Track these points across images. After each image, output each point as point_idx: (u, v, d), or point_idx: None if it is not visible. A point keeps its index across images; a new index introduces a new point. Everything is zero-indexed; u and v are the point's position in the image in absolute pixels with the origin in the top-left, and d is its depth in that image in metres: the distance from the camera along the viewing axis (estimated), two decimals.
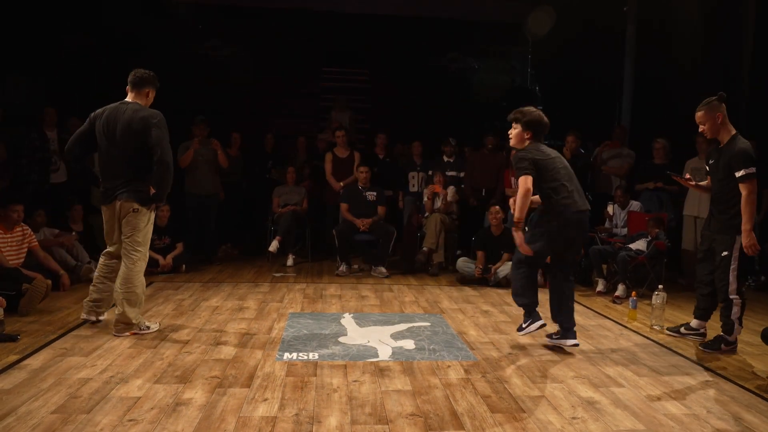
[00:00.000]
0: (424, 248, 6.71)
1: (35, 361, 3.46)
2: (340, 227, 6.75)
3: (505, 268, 6.05)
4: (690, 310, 4.53)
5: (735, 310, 4.00)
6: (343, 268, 6.56)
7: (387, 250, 6.64)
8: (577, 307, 5.24)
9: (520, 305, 4.07)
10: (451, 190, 7.07)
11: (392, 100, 9.86)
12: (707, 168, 4.25)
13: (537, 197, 3.90)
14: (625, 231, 6.34)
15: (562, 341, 3.94)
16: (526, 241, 3.82)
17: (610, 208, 6.55)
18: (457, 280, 6.38)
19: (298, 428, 2.69)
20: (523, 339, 4.22)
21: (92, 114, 4.09)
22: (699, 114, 4.02)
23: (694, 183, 4.40)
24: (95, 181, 4.29)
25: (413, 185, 7.60)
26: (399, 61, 9.80)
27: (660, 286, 4.76)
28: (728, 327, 4.04)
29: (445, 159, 7.53)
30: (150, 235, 4.13)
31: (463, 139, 8.21)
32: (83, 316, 4.24)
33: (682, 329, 4.42)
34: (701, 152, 6.14)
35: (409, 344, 4.02)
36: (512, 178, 6.99)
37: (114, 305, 4.09)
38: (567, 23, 8.58)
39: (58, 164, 6.69)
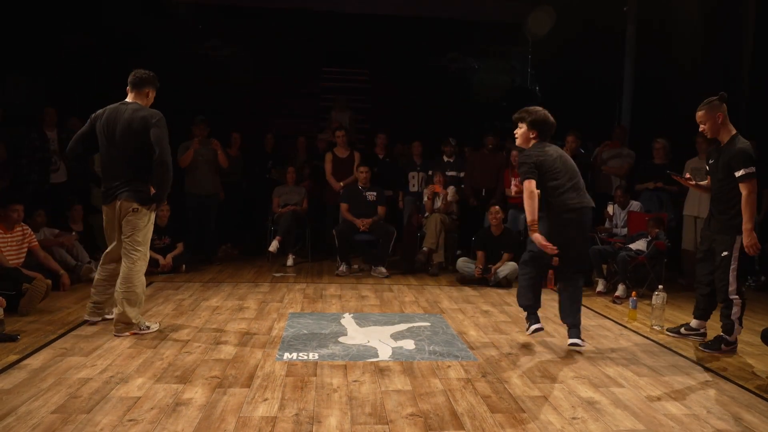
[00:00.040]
0: (424, 248, 6.71)
1: (35, 361, 3.46)
2: (340, 227, 6.75)
3: (505, 268, 6.06)
4: (690, 311, 4.53)
5: (735, 310, 4.00)
6: (343, 268, 6.56)
7: (387, 250, 6.64)
8: None
9: (520, 306, 4.13)
10: (451, 190, 7.07)
11: (392, 100, 9.86)
12: (707, 168, 4.25)
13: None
14: (625, 231, 6.34)
15: (569, 340, 3.95)
16: (529, 242, 3.89)
17: (610, 208, 6.55)
18: (457, 280, 6.38)
19: (298, 428, 2.69)
20: (523, 339, 4.22)
21: (93, 115, 4.11)
22: (700, 113, 4.02)
23: (694, 183, 4.40)
24: (97, 181, 4.30)
25: (413, 185, 7.60)
26: (399, 61, 9.80)
27: (660, 286, 4.76)
28: (728, 327, 4.03)
29: (445, 159, 7.52)
30: (150, 235, 4.14)
31: (463, 139, 8.21)
32: (86, 317, 4.26)
33: (683, 330, 4.42)
34: (701, 152, 6.14)
35: (409, 344, 4.02)
36: (512, 178, 7.00)
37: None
38: (567, 23, 8.58)
39: (58, 164, 6.69)
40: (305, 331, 4.25)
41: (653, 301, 4.67)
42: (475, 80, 10.26)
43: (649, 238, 5.87)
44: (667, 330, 4.51)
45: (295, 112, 9.93)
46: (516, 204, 6.96)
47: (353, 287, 5.93)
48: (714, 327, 4.33)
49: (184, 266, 6.48)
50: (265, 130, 8.29)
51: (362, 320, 4.63)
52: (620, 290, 5.66)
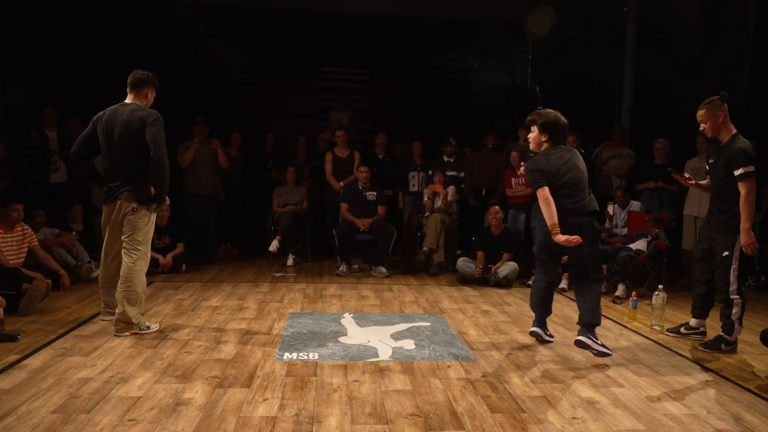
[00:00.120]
0: (425, 248, 6.71)
1: (35, 361, 3.46)
2: (340, 227, 6.75)
3: (505, 268, 6.06)
4: (690, 310, 4.53)
5: (735, 310, 4.00)
6: (343, 268, 6.56)
7: (387, 250, 6.64)
8: (576, 306, 5.26)
9: (531, 308, 4.20)
10: (451, 189, 7.07)
11: (392, 100, 9.86)
12: (707, 168, 4.25)
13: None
14: (625, 231, 6.35)
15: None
16: (538, 242, 3.92)
17: (610, 208, 6.55)
18: (457, 280, 6.38)
19: (298, 428, 2.69)
20: (523, 339, 4.22)
21: (95, 117, 4.15)
22: (700, 113, 4.02)
23: (694, 182, 4.39)
24: (100, 181, 4.32)
25: (413, 185, 7.60)
26: (399, 61, 9.80)
27: (660, 286, 4.76)
28: (728, 327, 4.03)
29: (445, 159, 7.52)
30: (151, 235, 4.14)
31: (463, 139, 8.21)
32: (102, 318, 4.35)
33: (682, 329, 4.43)
34: (701, 152, 6.14)
35: (409, 344, 4.02)
36: (512, 179, 7.00)
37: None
38: (567, 23, 8.58)
39: (58, 164, 6.69)
40: (305, 331, 4.25)
41: (653, 301, 4.67)
42: (475, 80, 10.26)
43: (649, 238, 5.87)
44: (667, 330, 4.51)
45: (295, 112, 9.93)
46: (516, 204, 6.96)
47: (353, 287, 5.93)
48: (714, 327, 4.33)
49: (184, 266, 6.48)
50: (265, 130, 8.29)
51: (362, 320, 4.63)
52: (620, 290, 5.66)
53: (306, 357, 3.68)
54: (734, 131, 4.00)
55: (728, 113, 4.00)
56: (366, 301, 5.36)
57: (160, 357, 3.60)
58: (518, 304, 5.38)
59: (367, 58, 9.97)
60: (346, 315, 4.78)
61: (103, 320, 4.32)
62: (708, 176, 4.26)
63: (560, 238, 3.64)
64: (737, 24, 7.22)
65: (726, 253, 3.97)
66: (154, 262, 5.97)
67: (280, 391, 3.11)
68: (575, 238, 3.58)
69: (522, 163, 6.81)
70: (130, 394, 3.01)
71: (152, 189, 4.07)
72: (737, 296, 3.99)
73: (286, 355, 3.69)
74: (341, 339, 4.09)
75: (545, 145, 3.84)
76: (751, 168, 3.83)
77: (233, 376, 3.31)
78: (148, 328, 4.11)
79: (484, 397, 3.10)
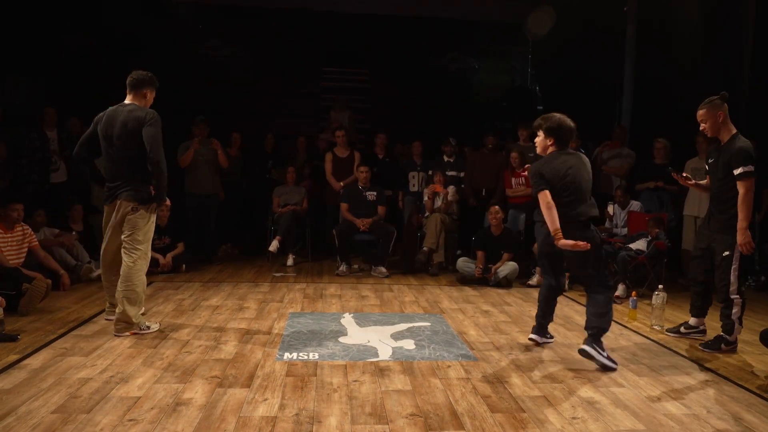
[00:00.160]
0: (425, 248, 6.71)
1: (35, 361, 3.46)
2: (340, 227, 6.75)
3: (505, 268, 6.06)
4: (689, 310, 4.53)
5: (735, 309, 4.00)
6: (343, 268, 6.56)
7: (387, 250, 6.64)
8: (576, 306, 5.27)
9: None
10: (451, 189, 7.07)
11: (392, 100, 9.86)
12: (706, 167, 4.25)
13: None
14: (625, 231, 6.35)
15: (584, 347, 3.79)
16: (540, 243, 3.89)
17: (610, 208, 6.55)
18: (457, 280, 6.38)
19: (298, 428, 2.69)
20: (522, 339, 4.22)
21: (96, 117, 4.17)
22: (701, 112, 4.02)
23: (693, 182, 4.39)
24: (102, 182, 4.32)
25: (413, 185, 7.60)
26: (399, 61, 9.80)
27: (660, 286, 4.76)
28: (728, 327, 4.04)
29: (445, 159, 7.52)
30: (151, 235, 4.15)
31: (463, 139, 8.21)
32: (106, 317, 4.35)
33: (682, 329, 4.43)
34: (701, 152, 6.14)
35: (409, 344, 4.02)
36: (512, 179, 7.00)
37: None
38: (567, 23, 8.58)
39: (58, 164, 6.69)
40: (305, 331, 4.25)
41: (653, 301, 4.67)
42: (475, 80, 10.26)
43: (649, 238, 5.87)
44: (667, 330, 4.51)
45: (295, 112, 9.93)
46: (516, 204, 6.97)
47: (353, 287, 5.93)
48: (714, 327, 4.33)
49: (184, 266, 6.48)
50: (265, 130, 8.29)
51: (362, 320, 4.63)
52: (620, 290, 5.66)
53: (306, 357, 3.68)
54: (734, 131, 4.00)
55: (728, 113, 4.00)
56: (366, 301, 5.36)
57: (160, 357, 3.60)
58: (518, 304, 5.38)
59: (367, 58, 9.97)
60: (346, 315, 4.78)
61: (106, 319, 4.31)
62: (707, 176, 4.26)
63: (566, 243, 3.52)
64: (737, 24, 7.22)
65: (726, 253, 3.97)
66: (154, 262, 5.97)
67: (280, 391, 3.11)
68: (583, 244, 3.47)
69: (525, 166, 6.82)
70: (130, 394, 3.01)
71: (152, 189, 4.07)
72: (737, 296, 3.99)
73: (286, 355, 3.69)
74: (341, 339, 4.09)
75: (551, 149, 3.78)
76: (751, 168, 3.83)
77: (233, 376, 3.31)
78: (148, 328, 4.12)
79: (484, 397, 3.10)
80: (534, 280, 6.17)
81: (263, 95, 9.72)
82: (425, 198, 7.12)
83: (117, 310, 4.03)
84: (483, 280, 6.15)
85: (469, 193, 7.26)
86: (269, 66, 9.68)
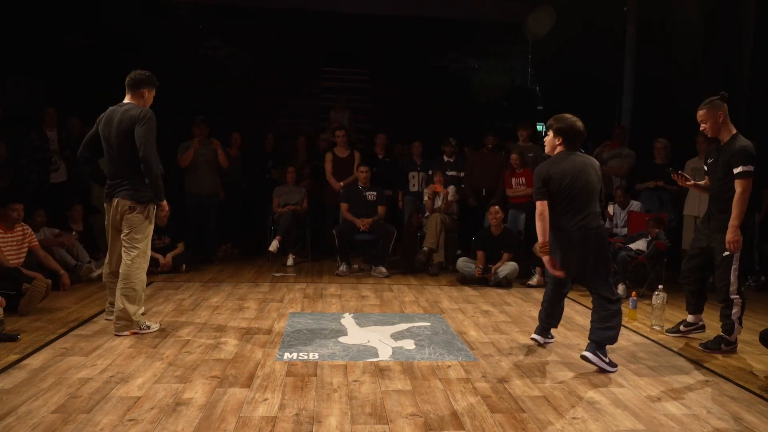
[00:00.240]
0: (425, 248, 6.71)
1: (35, 361, 3.46)
2: (340, 227, 6.75)
3: (505, 268, 6.06)
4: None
5: (735, 310, 4.00)
6: (343, 268, 6.56)
7: (387, 250, 6.64)
8: (577, 307, 5.27)
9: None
10: (451, 189, 7.07)
11: (392, 100, 9.86)
12: (705, 168, 4.25)
13: None
14: (625, 231, 6.35)
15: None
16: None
17: (610, 208, 6.55)
18: (457, 280, 6.38)
19: (298, 428, 2.69)
20: (523, 339, 4.22)
21: (98, 118, 4.18)
22: (701, 113, 4.02)
23: (692, 182, 4.39)
24: (105, 182, 4.33)
25: (413, 185, 7.60)
26: (399, 61, 9.80)
27: (660, 286, 4.76)
28: (728, 327, 4.03)
29: (445, 159, 7.52)
30: (150, 234, 4.15)
31: (463, 139, 8.21)
32: (106, 317, 4.34)
33: (681, 327, 4.43)
34: (701, 152, 6.14)
35: (409, 344, 4.02)
36: (512, 179, 7.00)
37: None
38: (567, 23, 8.58)
39: (58, 164, 6.69)
40: (305, 331, 4.25)
41: (653, 301, 4.67)
42: (475, 80, 10.26)
43: (649, 238, 5.87)
44: (667, 331, 4.51)
45: (295, 112, 9.93)
46: (516, 204, 6.97)
47: (353, 287, 5.93)
48: (714, 327, 4.33)
49: (184, 266, 6.48)
50: (265, 130, 8.29)
51: (362, 320, 4.63)
52: (620, 290, 5.65)
53: (306, 357, 3.68)
54: (734, 131, 4.00)
55: (728, 113, 4.00)
56: (366, 301, 5.36)
57: (160, 357, 3.60)
58: (518, 304, 5.38)
59: (367, 58, 9.97)
60: (346, 315, 4.78)
61: (106, 319, 4.32)
62: (706, 176, 4.26)
63: (545, 259, 3.69)
64: (737, 24, 7.22)
65: (726, 253, 3.96)
66: (154, 262, 5.97)
67: (280, 391, 3.11)
68: (558, 272, 3.67)
69: (527, 168, 6.85)
70: (130, 394, 3.01)
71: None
72: (737, 296, 3.99)
73: (286, 355, 3.70)
74: (341, 339, 4.09)
75: (559, 149, 3.75)
76: (751, 168, 3.83)
77: (233, 376, 3.31)
78: (149, 327, 4.12)
79: (484, 397, 3.10)
80: (534, 280, 6.17)
81: (263, 95, 9.72)
82: (425, 198, 7.12)
83: (115, 308, 4.04)
84: (483, 280, 6.15)
85: (469, 193, 7.26)
86: (269, 66, 9.68)
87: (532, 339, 4.10)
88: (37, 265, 5.21)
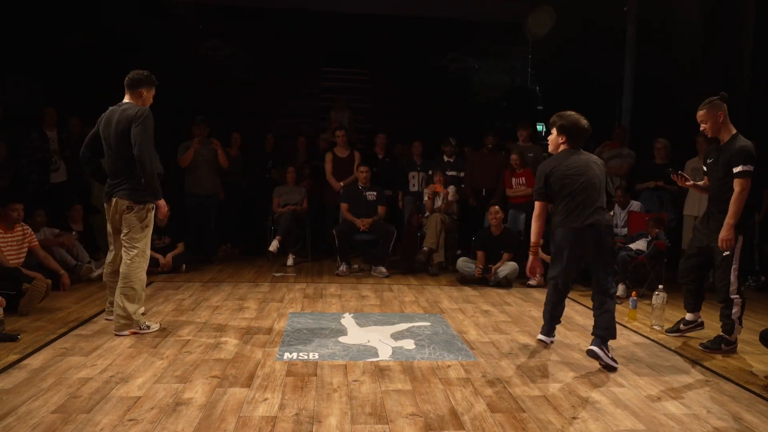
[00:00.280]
0: (425, 248, 6.71)
1: (35, 361, 3.46)
2: (340, 227, 6.75)
3: (505, 268, 6.06)
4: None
5: (735, 309, 4.00)
6: (343, 268, 6.56)
7: (387, 250, 6.64)
8: (576, 307, 5.27)
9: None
10: (451, 189, 7.07)
11: (392, 100, 9.86)
12: (704, 168, 4.25)
13: None
14: (625, 231, 6.35)
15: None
16: (550, 266, 3.83)
17: None
18: (457, 280, 6.38)
19: (298, 428, 2.69)
20: (523, 339, 4.22)
21: (99, 118, 4.19)
22: (700, 113, 4.02)
23: (691, 182, 4.39)
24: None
25: (413, 185, 7.60)
26: (399, 61, 9.80)
27: (660, 286, 4.76)
28: (728, 327, 4.04)
29: (445, 159, 7.52)
30: (149, 233, 4.15)
31: (463, 139, 8.21)
32: (106, 317, 4.34)
33: (681, 326, 4.43)
34: (701, 152, 6.14)
35: (409, 344, 4.02)
36: (512, 179, 7.00)
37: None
38: (567, 23, 8.58)
39: (58, 164, 6.69)
40: (305, 331, 4.25)
41: (653, 301, 4.67)
42: (475, 80, 10.26)
43: (649, 238, 5.87)
44: (666, 331, 4.51)
45: (295, 112, 9.93)
46: (516, 204, 6.97)
47: (353, 287, 5.93)
48: (714, 327, 4.33)
49: (184, 266, 6.48)
50: (265, 130, 8.29)
51: (362, 320, 4.63)
52: (620, 290, 5.66)
53: (306, 357, 3.68)
54: (734, 131, 4.00)
55: (728, 113, 4.00)
56: (366, 301, 5.36)
57: (160, 357, 3.60)
58: (518, 304, 5.38)
59: (367, 58, 9.97)
60: (346, 315, 4.78)
61: (106, 319, 4.32)
62: (705, 176, 4.27)
63: (531, 260, 3.78)
64: (737, 24, 7.22)
65: (726, 253, 3.96)
66: (154, 262, 5.98)
67: (280, 391, 3.11)
68: (536, 278, 3.65)
69: (527, 168, 6.85)
70: (130, 393, 3.01)
71: None
72: (737, 296, 3.99)
73: (287, 355, 3.70)
74: (341, 339, 4.09)
75: (562, 147, 3.75)
76: (751, 168, 3.83)
77: (233, 376, 3.31)
78: (149, 327, 4.12)
79: (484, 397, 3.10)
80: (534, 280, 6.17)
81: (263, 95, 9.72)
82: (425, 198, 7.12)
83: (115, 307, 4.05)
84: (483, 280, 6.15)
85: (469, 193, 7.26)
86: (269, 66, 9.68)
87: (540, 341, 4.08)
88: (37, 265, 5.21)
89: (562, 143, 3.75)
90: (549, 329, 4.09)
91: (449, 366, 3.59)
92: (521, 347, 4.03)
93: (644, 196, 6.75)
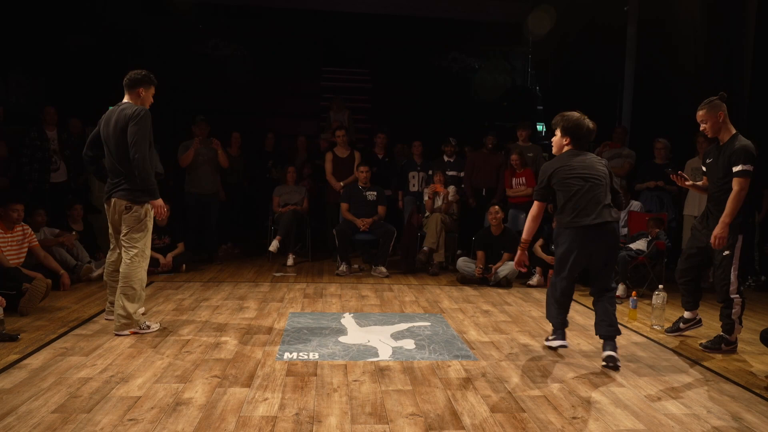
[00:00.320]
0: (425, 248, 6.71)
1: (35, 361, 3.46)
2: (340, 227, 6.75)
3: (505, 268, 6.06)
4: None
5: (735, 309, 4.00)
6: (343, 267, 6.56)
7: (387, 250, 6.64)
8: (577, 306, 5.27)
9: (549, 320, 4.02)
10: (452, 189, 7.07)
11: (392, 100, 9.87)
12: (703, 168, 4.24)
13: None
14: (625, 231, 6.35)
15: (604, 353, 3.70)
16: (555, 262, 3.81)
17: None
18: (457, 279, 6.38)
19: (298, 428, 2.69)
20: (523, 339, 4.22)
21: (101, 118, 4.20)
22: (700, 113, 4.02)
23: (690, 182, 4.39)
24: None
25: (413, 185, 7.60)
26: (399, 61, 9.82)
27: (660, 286, 4.76)
28: (728, 327, 4.04)
29: (446, 159, 7.53)
30: (148, 233, 4.15)
31: (463, 139, 8.22)
32: (106, 317, 4.34)
33: (681, 324, 4.43)
34: (701, 152, 6.14)
35: (409, 344, 4.02)
36: (512, 179, 7.00)
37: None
38: (567, 23, 8.59)
39: (58, 164, 6.68)
40: (305, 331, 4.25)
41: (653, 301, 4.67)
42: (475, 80, 10.27)
43: (650, 238, 5.87)
44: (666, 330, 4.51)
45: (295, 112, 9.94)
46: (516, 204, 6.97)
47: (353, 287, 5.93)
48: (714, 327, 4.33)
49: (184, 266, 6.48)
50: (265, 130, 8.30)
51: (362, 320, 4.63)
52: (620, 290, 5.66)
53: (306, 356, 3.68)
54: (734, 131, 4.00)
55: (728, 113, 4.00)
56: (366, 300, 5.36)
57: (160, 357, 3.60)
58: (518, 303, 5.38)
59: (367, 57, 9.99)
60: (346, 315, 4.78)
61: (106, 319, 4.32)
62: (704, 177, 4.27)
63: (519, 255, 3.83)
64: (738, 24, 7.22)
65: (726, 252, 3.96)
66: (154, 262, 5.98)
67: (281, 391, 3.11)
68: (519, 264, 3.84)
69: (527, 168, 6.85)
70: (130, 393, 3.01)
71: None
72: (737, 295, 3.99)
73: (287, 355, 3.70)
74: (341, 339, 4.09)
75: (566, 148, 3.72)
76: (750, 167, 3.83)
77: (233, 376, 3.31)
78: (149, 327, 4.12)
79: (484, 397, 3.10)
80: (534, 280, 6.18)
81: (263, 95, 9.73)
82: (425, 198, 7.12)
83: (115, 307, 4.05)
84: (483, 280, 6.15)
85: (469, 194, 7.26)
86: (269, 66, 9.69)
87: (562, 346, 3.92)
88: (37, 265, 5.21)
89: (566, 144, 3.72)
90: (563, 333, 3.94)
91: (449, 366, 3.59)
92: (521, 347, 4.03)
93: (644, 196, 6.75)
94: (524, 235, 3.80)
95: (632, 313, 4.91)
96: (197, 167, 7.00)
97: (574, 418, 2.88)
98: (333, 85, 10.07)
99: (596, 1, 8.30)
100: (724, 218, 3.88)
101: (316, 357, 3.67)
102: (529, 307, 5.25)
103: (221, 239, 7.54)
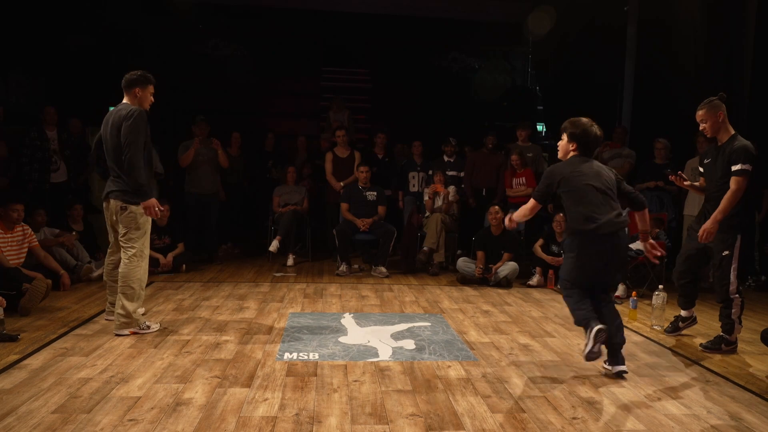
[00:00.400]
0: (425, 248, 6.71)
1: (35, 361, 3.46)
2: (341, 227, 6.75)
3: (505, 268, 6.06)
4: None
5: (735, 309, 4.00)
6: (343, 267, 6.56)
7: (387, 250, 6.64)
8: None
9: (577, 324, 3.67)
10: (452, 189, 7.07)
11: (392, 100, 9.87)
12: (701, 169, 4.24)
13: None
14: (625, 231, 6.34)
15: (608, 368, 3.54)
16: (562, 268, 3.69)
17: None
18: (457, 280, 6.38)
19: (298, 428, 2.69)
20: (523, 339, 4.22)
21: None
22: (700, 113, 4.03)
23: (689, 183, 4.39)
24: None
25: (413, 185, 7.60)
26: (399, 61, 9.81)
27: (660, 286, 4.76)
28: (728, 327, 4.04)
29: (446, 159, 7.53)
30: (147, 233, 4.16)
31: (463, 139, 8.22)
32: (106, 318, 4.34)
33: (680, 323, 4.43)
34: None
35: (409, 344, 4.02)
36: (513, 179, 7.00)
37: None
38: (567, 23, 8.58)
39: (58, 164, 6.68)
40: (305, 331, 4.25)
41: (653, 301, 4.67)
42: (475, 80, 10.27)
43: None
44: (665, 331, 4.51)
45: (295, 112, 9.94)
46: (516, 204, 6.96)
47: (353, 287, 5.93)
48: (714, 327, 4.33)
49: (184, 266, 6.48)
50: (265, 130, 8.30)
51: (362, 320, 4.63)
52: (620, 290, 5.66)
53: (306, 357, 3.68)
54: (733, 131, 4.00)
55: (728, 114, 4.00)
56: (366, 301, 5.36)
57: (160, 357, 3.60)
58: (518, 304, 5.38)
59: (367, 57, 9.98)
60: (347, 315, 4.78)
61: (106, 320, 4.32)
62: (702, 177, 4.27)
63: (507, 219, 3.79)
64: (738, 24, 7.22)
65: (726, 252, 3.97)
66: (154, 262, 5.98)
67: (281, 391, 3.11)
68: (510, 224, 3.75)
69: (528, 168, 6.85)
70: (130, 394, 3.02)
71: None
72: (737, 296, 3.99)
73: (287, 355, 3.70)
74: (341, 339, 4.09)
75: (572, 154, 3.69)
76: (749, 167, 3.83)
77: (233, 376, 3.31)
78: (149, 327, 4.12)
79: (484, 397, 3.10)
80: (534, 280, 6.18)
81: (263, 95, 9.73)
82: (425, 198, 7.12)
83: (115, 307, 4.06)
84: (483, 280, 6.15)
85: (469, 194, 7.26)
86: (269, 66, 9.69)
87: (624, 372, 3.54)
88: (37, 265, 5.21)
89: (573, 150, 3.69)
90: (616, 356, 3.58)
91: (449, 366, 3.59)
92: (521, 347, 4.03)
93: (644, 196, 6.71)
94: (516, 215, 3.71)
95: (632, 314, 4.91)
96: (197, 167, 7.00)
97: (574, 418, 2.88)
98: (333, 85, 10.07)
99: (596, 1, 8.30)
100: (716, 214, 3.89)
101: (316, 357, 3.68)
102: (529, 307, 5.25)
103: (221, 239, 7.54)
